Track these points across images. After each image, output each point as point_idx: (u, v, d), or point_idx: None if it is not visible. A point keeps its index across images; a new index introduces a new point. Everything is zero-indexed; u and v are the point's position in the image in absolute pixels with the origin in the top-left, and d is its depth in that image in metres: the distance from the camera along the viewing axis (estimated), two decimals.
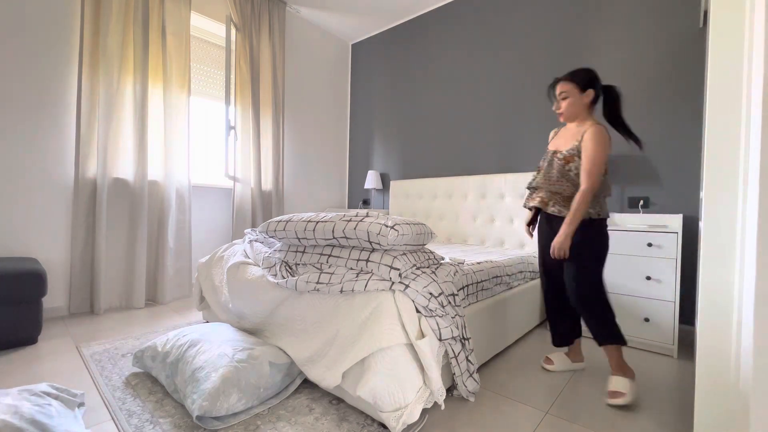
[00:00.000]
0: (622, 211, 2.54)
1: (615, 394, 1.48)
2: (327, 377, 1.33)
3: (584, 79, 1.57)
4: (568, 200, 1.59)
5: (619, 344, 1.55)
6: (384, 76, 4.13)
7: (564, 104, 1.61)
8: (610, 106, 1.60)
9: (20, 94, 2.26)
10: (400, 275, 1.36)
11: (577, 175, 1.56)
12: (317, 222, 1.54)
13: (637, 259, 2.09)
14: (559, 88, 1.62)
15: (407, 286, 1.33)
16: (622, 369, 1.55)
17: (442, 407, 1.30)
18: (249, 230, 2.24)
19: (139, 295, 2.66)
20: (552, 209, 1.63)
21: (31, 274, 1.89)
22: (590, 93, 1.57)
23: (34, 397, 1.14)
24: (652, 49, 2.44)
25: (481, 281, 1.82)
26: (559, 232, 1.53)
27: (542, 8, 2.95)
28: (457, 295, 1.50)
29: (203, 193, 3.22)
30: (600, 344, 1.57)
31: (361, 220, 1.44)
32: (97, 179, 2.49)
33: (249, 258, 1.97)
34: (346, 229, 1.44)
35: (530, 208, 1.77)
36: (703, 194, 1.15)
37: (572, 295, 1.60)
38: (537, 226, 1.82)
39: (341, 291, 1.39)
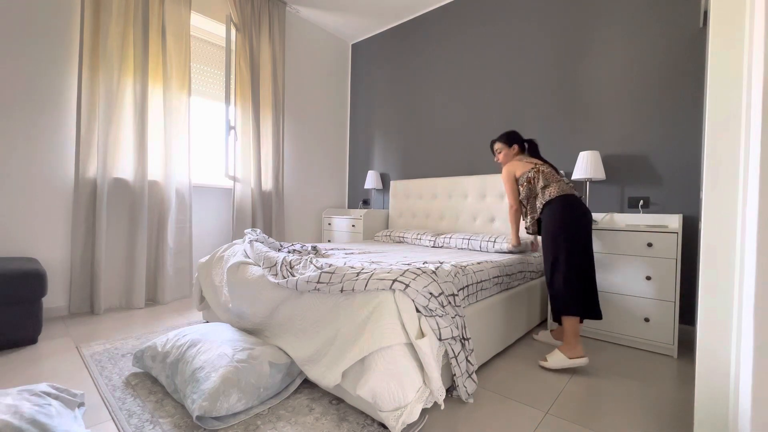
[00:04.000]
0: (622, 211, 2.54)
1: (543, 358, 1.84)
2: (327, 377, 1.33)
3: (509, 138, 2.23)
4: (533, 209, 2.08)
5: (570, 316, 1.81)
6: (384, 77, 4.13)
7: (500, 156, 2.25)
8: (532, 151, 2.23)
9: (20, 94, 2.26)
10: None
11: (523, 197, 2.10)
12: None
13: (637, 259, 2.09)
14: (496, 146, 2.28)
15: (407, 286, 1.33)
16: (566, 345, 1.79)
17: (442, 407, 1.30)
18: (249, 230, 2.24)
19: (139, 295, 2.66)
20: (533, 221, 2.11)
21: (31, 274, 1.89)
22: (515, 147, 2.22)
23: (34, 397, 1.13)
24: (652, 50, 2.44)
25: (481, 281, 1.82)
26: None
27: (543, 8, 2.95)
28: (457, 295, 1.50)
29: (203, 193, 3.22)
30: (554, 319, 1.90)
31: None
32: (97, 179, 2.49)
33: (249, 258, 1.97)
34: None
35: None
36: (703, 194, 1.15)
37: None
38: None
39: (341, 290, 1.39)
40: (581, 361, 1.74)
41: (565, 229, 1.84)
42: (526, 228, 2.13)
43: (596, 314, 1.87)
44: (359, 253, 2.28)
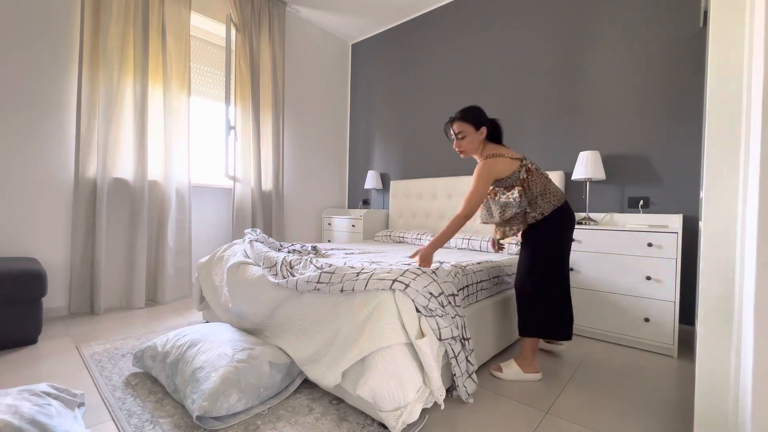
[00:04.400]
0: (622, 211, 2.54)
1: (497, 367, 1.72)
2: (327, 376, 1.33)
3: (477, 118, 1.71)
4: (521, 222, 1.72)
5: (531, 337, 1.71)
6: (384, 76, 4.13)
7: (464, 143, 1.73)
8: (495, 135, 1.78)
9: (20, 94, 2.26)
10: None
11: (506, 199, 1.68)
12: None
13: (637, 259, 2.09)
14: (456, 128, 1.73)
15: (407, 286, 1.33)
16: (523, 359, 1.71)
17: (442, 407, 1.30)
18: (249, 230, 2.24)
19: (139, 295, 2.66)
20: (515, 234, 1.76)
21: (31, 274, 1.89)
22: (483, 130, 1.72)
23: (34, 397, 1.14)
24: (652, 50, 2.44)
25: (481, 281, 1.81)
26: (426, 245, 1.68)
27: (543, 8, 2.95)
28: (457, 295, 1.50)
29: (203, 193, 3.22)
30: (519, 334, 1.75)
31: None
32: (97, 179, 2.49)
33: (249, 258, 1.97)
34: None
35: (500, 246, 2.01)
36: (703, 194, 1.15)
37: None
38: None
39: (341, 290, 1.39)
40: (536, 376, 1.68)
41: (565, 247, 1.68)
42: (502, 237, 1.81)
43: (569, 335, 1.73)
44: (359, 253, 2.28)
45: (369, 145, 4.28)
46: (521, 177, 1.64)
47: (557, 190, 1.69)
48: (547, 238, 1.67)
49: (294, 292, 1.57)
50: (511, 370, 1.70)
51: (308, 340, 1.47)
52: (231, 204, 3.36)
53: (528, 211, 1.66)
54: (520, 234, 1.78)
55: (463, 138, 1.72)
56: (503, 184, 1.67)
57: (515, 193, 1.63)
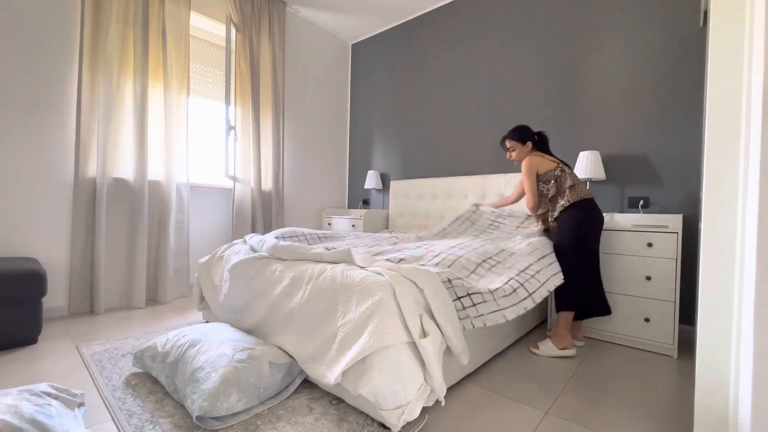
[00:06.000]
0: (622, 211, 2.54)
1: (536, 345, 2.00)
2: (327, 375, 1.33)
3: (521, 135, 2.18)
4: (553, 206, 2.11)
5: (565, 311, 1.97)
6: (384, 76, 4.13)
7: (514, 155, 2.23)
8: (542, 145, 2.23)
9: (20, 94, 2.26)
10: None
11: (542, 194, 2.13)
12: None
13: (637, 259, 2.09)
14: (507, 144, 2.24)
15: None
16: (557, 335, 1.96)
17: (443, 403, 1.30)
18: (279, 232, 2.36)
19: (139, 295, 2.66)
20: (552, 221, 2.12)
21: (31, 274, 1.89)
22: (529, 144, 2.18)
23: (34, 397, 1.14)
24: (652, 49, 2.44)
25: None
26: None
27: (542, 8, 2.95)
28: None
29: (203, 193, 3.22)
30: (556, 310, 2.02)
31: None
32: (97, 179, 2.49)
33: (254, 250, 1.97)
34: None
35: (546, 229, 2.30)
36: (703, 194, 1.15)
37: None
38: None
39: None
40: (569, 352, 1.92)
41: (588, 232, 1.96)
42: (545, 225, 2.22)
43: (606, 310, 2.04)
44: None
45: (369, 145, 4.29)
46: (556, 174, 2.05)
47: (584, 188, 2.03)
48: (572, 225, 1.97)
49: (294, 291, 1.57)
50: (545, 346, 1.95)
51: (309, 339, 1.47)
52: (231, 204, 3.36)
53: (558, 199, 2.04)
54: (551, 220, 2.12)
55: (513, 150, 2.21)
56: (542, 178, 2.08)
57: (549, 185, 2.07)
